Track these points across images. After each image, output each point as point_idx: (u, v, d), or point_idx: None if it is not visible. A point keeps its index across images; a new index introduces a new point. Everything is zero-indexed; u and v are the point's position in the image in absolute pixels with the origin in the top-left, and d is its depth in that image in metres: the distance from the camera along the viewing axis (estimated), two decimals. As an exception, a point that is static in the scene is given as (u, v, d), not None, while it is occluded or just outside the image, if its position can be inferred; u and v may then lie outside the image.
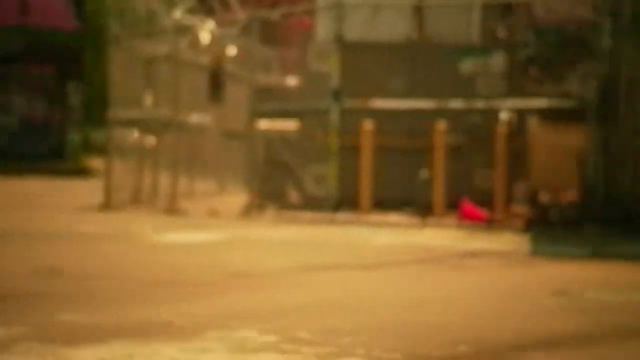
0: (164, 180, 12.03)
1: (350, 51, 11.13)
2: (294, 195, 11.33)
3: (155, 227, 9.33)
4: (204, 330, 4.15)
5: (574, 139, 11.16)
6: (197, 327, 4.24)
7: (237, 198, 11.92)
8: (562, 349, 4.08)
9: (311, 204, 11.00)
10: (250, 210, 11.06)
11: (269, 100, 11.64)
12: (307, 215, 10.61)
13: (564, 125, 11.21)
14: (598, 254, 7.69)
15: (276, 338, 4.05)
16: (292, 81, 12.09)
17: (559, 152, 11.14)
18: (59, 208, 11.52)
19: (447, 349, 3.98)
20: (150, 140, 12.24)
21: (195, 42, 12.39)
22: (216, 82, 12.42)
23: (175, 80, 11.92)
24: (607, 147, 10.77)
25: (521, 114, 11.21)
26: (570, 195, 10.96)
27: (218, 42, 12.54)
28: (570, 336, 4.35)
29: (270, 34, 11.97)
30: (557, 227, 9.70)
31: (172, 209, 11.26)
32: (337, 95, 11.07)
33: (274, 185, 11.28)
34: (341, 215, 10.54)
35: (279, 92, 11.88)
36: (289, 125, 11.40)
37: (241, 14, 12.37)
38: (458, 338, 4.21)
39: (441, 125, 10.57)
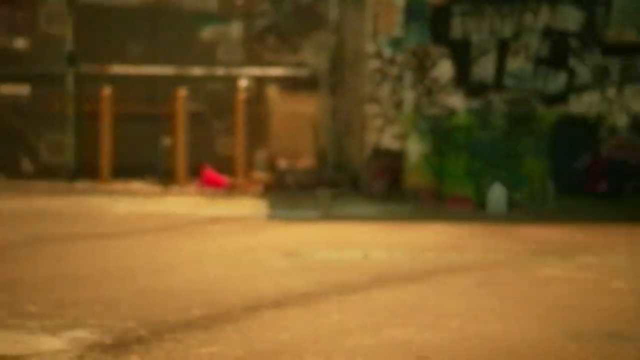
0: None
1: (85, 14, 10.84)
2: (26, 165, 10.91)
3: None
4: None
5: (309, 107, 11.66)
6: None
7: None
8: (290, 307, 4.34)
9: (46, 173, 10.66)
10: (-22, 181, 10.52)
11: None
12: (42, 185, 10.27)
13: (301, 94, 11.67)
14: (328, 216, 8.15)
15: (0, 313, 3.95)
16: (21, 43, 11.55)
17: (296, 120, 11.60)
18: None
19: (182, 314, 4.09)
20: None
21: None
22: None
23: None
24: (336, 115, 11.38)
25: (260, 82, 11.52)
26: (306, 161, 11.46)
27: None
28: (298, 294, 4.63)
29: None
30: (293, 192, 10.13)
31: None
32: (71, 59, 10.77)
33: (4, 154, 10.79)
34: (79, 184, 10.31)
35: (8, 55, 11.32)
36: (20, 90, 10.93)
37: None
38: (193, 302, 4.34)
39: (182, 92, 10.62)
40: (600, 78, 9.16)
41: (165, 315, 4.05)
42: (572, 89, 9.22)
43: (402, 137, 9.33)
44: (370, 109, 9.43)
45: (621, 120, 9.24)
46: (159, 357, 3.39)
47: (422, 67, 9.24)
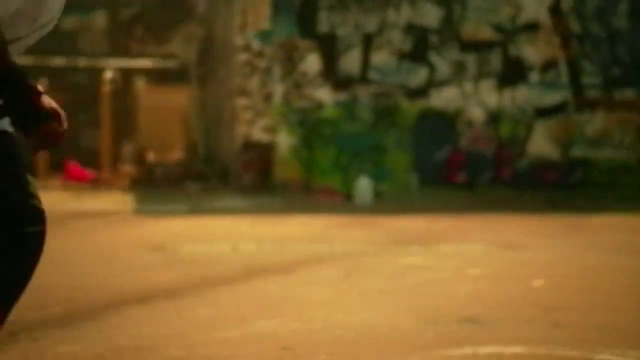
0: None
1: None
2: None
3: None
4: None
5: (179, 99, 11.52)
6: None
7: None
8: (155, 302, 4.27)
9: None
10: None
11: None
12: None
13: (170, 86, 11.51)
14: (197, 209, 8.08)
15: None
16: None
17: (165, 112, 11.44)
18: None
19: (40, 312, 3.96)
20: None
21: None
22: None
23: None
24: (206, 107, 11.29)
25: (127, 74, 11.29)
26: (176, 154, 11.32)
27: None
28: (164, 289, 4.57)
29: None
30: (162, 186, 9.98)
31: None
32: None
33: None
34: None
35: None
36: None
37: None
38: (52, 300, 4.20)
39: (43, 83, 10.29)
40: (458, 73, 9.46)
41: (21, 313, 3.90)
42: (433, 83, 9.48)
43: (272, 129, 9.35)
44: (240, 101, 9.40)
45: (477, 114, 9.57)
46: (13, 357, 3.26)
47: (290, 60, 9.28)
